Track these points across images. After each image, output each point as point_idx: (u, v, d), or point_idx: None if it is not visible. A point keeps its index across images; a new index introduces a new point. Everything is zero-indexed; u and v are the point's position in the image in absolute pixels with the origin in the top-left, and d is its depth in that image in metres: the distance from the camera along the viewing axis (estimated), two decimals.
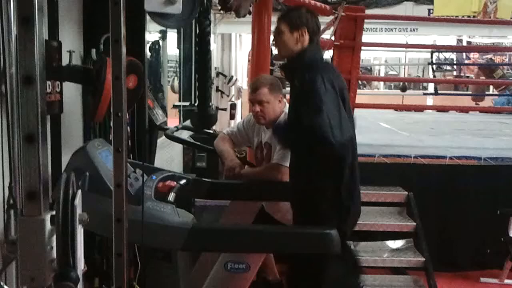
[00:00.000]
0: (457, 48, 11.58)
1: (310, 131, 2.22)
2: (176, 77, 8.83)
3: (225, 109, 8.78)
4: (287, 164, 2.73)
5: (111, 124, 1.59)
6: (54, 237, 1.02)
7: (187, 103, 6.70)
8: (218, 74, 9.17)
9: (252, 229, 2.27)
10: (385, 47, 10.48)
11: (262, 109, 2.88)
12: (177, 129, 3.48)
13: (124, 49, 1.60)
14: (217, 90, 9.01)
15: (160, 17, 2.00)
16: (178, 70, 8.58)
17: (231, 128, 3.21)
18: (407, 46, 10.00)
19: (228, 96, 9.80)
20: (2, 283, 1.14)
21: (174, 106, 6.57)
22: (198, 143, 3.38)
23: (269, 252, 2.16)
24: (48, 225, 1.00)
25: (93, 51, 2.80)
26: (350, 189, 2.44)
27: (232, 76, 10.28)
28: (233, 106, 9.32)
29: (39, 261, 0.97)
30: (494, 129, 6.88)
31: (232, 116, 8.96)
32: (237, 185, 2.84)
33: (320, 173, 2.35)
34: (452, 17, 9.92)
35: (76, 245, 1.01)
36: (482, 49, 11.30)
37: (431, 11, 11.17)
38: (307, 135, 2.26)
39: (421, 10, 11.69)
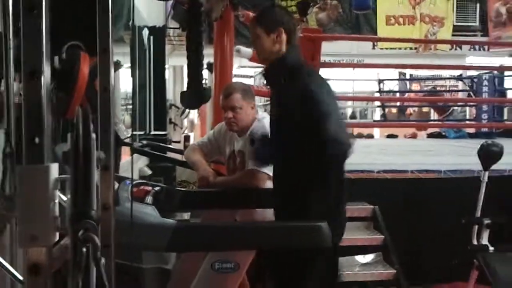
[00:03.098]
0: (430, 67, 11.72)
1: (323, 134, 2.11)
2: (126, 113, 8.66)
3: (178, 142, 8.67)
4: (264, 170, 2.66)
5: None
6: (57, 192, 0.89)
7: (142, 132, 6.63)
8: (171, 106, 9.07)
9: (240, 226, 2.16)
10: (345, 67, 10.66)
11: (235, 115, 2.81)
12: (143, 144, 3.35)
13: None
14: (170, 122, 8.91)
15: None
16: (128, 104, 8.45)
17: (202, 139, 3.11)
18: (373, 66, 10.12)
19: (181, 128, 9.69)
20: None
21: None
22: (167, 156, 3.26)
23: (258, 248, 2.05)
24: (52, 175, 0.87)
25: (56, 58, 2.71)
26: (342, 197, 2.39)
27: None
28: (186, 138, 9.24)
29: (43, 216, 0.84)
30: (445, 150, 7.08)
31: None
32: (211, 193, 2.73)
33: (324, 178, 2.25)
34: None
35: (94, 186, 0.89)
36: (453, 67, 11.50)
37: (375, 43, 11.65)
38: (312, 139, 2.14)
39: (366, 44, 12.19)
